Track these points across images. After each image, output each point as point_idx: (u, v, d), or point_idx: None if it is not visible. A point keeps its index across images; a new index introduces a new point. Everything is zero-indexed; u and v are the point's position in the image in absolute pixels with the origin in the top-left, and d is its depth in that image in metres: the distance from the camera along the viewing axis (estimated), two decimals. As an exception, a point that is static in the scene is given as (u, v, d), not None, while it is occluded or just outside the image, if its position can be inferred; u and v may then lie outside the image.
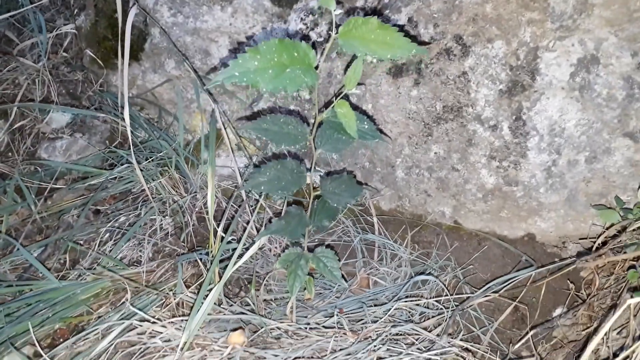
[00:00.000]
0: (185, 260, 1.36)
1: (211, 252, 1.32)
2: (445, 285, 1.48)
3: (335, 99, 1.04)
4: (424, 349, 1.27)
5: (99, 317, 1.27)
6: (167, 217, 1.59)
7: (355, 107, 1.62)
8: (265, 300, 1.40)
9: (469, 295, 1.47)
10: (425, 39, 1.46)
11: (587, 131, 1.37)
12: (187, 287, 1.33)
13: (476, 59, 1.41)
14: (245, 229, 1.38)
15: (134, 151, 1.81)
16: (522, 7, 1.33)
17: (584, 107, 1.35)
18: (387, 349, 1.25)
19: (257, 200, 1.45)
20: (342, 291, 1.55)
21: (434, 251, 1.61)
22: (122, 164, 1.75)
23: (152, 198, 1.61)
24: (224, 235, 1.31)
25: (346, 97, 1.04)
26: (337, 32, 0.98)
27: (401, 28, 1.41)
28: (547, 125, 1.39)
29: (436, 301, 1.44)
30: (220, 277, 1.21)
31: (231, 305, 1.31)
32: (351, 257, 1.67)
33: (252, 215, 1.44)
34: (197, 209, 1.73)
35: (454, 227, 1.63)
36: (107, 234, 1.50)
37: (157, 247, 1.47)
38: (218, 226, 1.35)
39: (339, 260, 1.20)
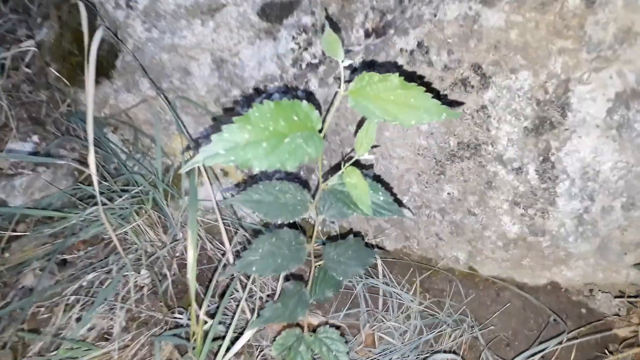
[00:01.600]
0: (163, 340, 1.16)
1: (193, 338, 1.12)
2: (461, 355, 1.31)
3: (344, 165, 0.84)
4: None
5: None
6: (142, 269, 1.39)
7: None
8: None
9: None
10: (438, 68, 1.26)
11: (626, 175, 1.19)
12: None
13: (497, 91, 1.22)
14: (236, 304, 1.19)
15: (102, 191, 1.60)
16: (554, 34, 1.14)
17: (622, 148, 1.18)
18: None
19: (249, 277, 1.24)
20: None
21: (447, 301, 1.44)
22: (92, 204, 1.54)
23: (125, 250, 1.41)
24: (207, 320, 1.12)
25: (357, 162, 0.85)
26: (346, 89, 0.78)
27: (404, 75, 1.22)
28: (579, 168, 1.21)
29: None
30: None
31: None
32: (353, 305, 1.49)
33: (243, 293, 1.23)
34: (177, 255, 1.53)
35: (468, 274, 1.46)
36: (73, 297, 1.30)
37: (132, 314, 1.27)
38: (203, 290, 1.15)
39: (345, 340, 1.02)
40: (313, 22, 1.50)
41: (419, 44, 1.28)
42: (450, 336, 1.38)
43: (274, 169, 0.72)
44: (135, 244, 1.44)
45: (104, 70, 1.85)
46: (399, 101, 0.75)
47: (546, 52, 1.16)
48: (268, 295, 1.34)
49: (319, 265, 1.03)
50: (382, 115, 0.75)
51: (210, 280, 1.23)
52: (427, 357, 1.30)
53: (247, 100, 1.66)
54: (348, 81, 0.78)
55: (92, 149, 1.23)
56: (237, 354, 1.18)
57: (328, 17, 1.44)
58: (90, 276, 1.35)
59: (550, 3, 1.10)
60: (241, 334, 1.05)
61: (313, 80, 1.51)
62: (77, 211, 1.57)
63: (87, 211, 1.52)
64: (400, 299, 1.47)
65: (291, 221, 0.88)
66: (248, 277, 1.28)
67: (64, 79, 1.93)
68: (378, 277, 1.52)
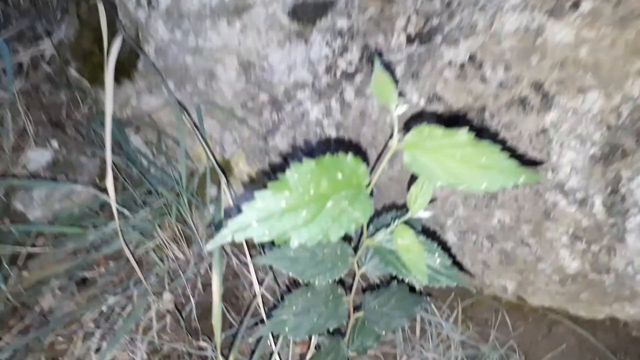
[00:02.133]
0: None
1: None
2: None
3: (394, 222, 0.73)
4: None
5: None
6: (165, 292, 1.31)
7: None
8: None
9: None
10: (493, 84, 1.12)
11: None
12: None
13: (561, 113, 1.08)
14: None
15: (124, 202, 1.52)
16: (633, 53, 0.98)
17: None
18: None
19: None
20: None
21: (492, 333, 1.32)
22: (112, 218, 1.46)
23: (147, 269, 1.33)
24: None
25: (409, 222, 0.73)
26: (400, 139, 0.66)
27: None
28: (653, 201, 1.07)
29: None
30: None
31: None
32: (388, 333, 1.39)
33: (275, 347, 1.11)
34: (202, 272, 1.45)
35: (517, 304, 1.34)
36: (92, 324, 1.22)
37: (154, 346, 1.19)
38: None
39: None
40: (349, 25, 1.36)
41: (471, 57, 1.14)
42: (495, 373, 1.27)
43: (315, 241, 0.61)
44: (157, 264, 1.35)
45: (126, 71, 1.75)
46: (467, 160, 0.62)
47: (622, 72, 1.00)
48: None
49: (358, 317, 0.93)
50: (445, 178, 0.63)
51: (236, 335, 1.13)
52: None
53: (276, 106, 1.55)
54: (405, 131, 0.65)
55: (110, 175, 1.13)
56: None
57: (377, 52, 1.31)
58: (110, 301, 1.27)
59: (632, 19, 0.95)
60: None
61: (349, 90, 1.38)
62: (97, 223, 1.49)
63: (109, 226, 1.44)
64: (439, 328, 1.36)
65: (330, 280, 0.77)
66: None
67: (85, 79, 1.84)
68: (416, 302, 1.41)
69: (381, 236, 0.76)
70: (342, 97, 1.39)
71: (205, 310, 1.37)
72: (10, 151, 1.55)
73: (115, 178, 1.68)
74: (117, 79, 1.80)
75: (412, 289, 0.97)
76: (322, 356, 0.87)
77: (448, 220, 1.32)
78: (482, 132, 1.18)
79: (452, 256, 1.27)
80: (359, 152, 1.44)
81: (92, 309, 1.26)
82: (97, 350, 1.19)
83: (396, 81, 1.27)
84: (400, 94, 1.27)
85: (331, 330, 0.83)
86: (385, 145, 1.41)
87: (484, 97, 1.15)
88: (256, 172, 1.74)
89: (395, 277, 1.38)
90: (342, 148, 1.50)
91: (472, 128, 1.19)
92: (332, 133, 1.48)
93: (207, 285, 1.42)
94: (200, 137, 1.72)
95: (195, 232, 1.50)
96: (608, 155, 1.07)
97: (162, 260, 1.41)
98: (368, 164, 1.45)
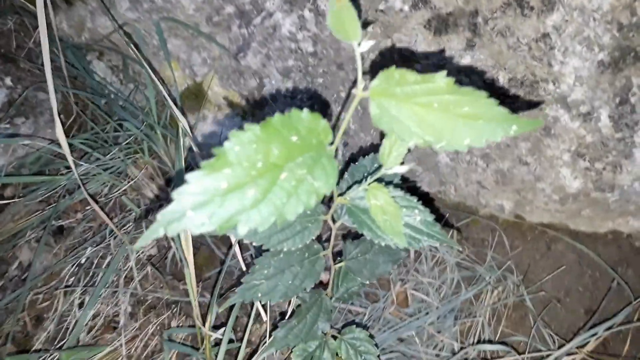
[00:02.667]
0: (174, 349, 1.03)
1: (202, 347, 0.99)
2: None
3: (366, 180, 0.62)
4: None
5: None
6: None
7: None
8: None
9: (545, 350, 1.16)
10: (486, -17, 0.95)
11: None
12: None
13: (566, 13, 0.92)
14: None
15: (95, 140, 1.41)
16: None
17: None
18: None
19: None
20: (375, 313, 1.25)
21: (488, 253, 1.27)
22: (84, 156, 1.36)
23: (125, 212, 1.25)
24: (213, 334, 0.97)
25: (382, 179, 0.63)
26: (365, 88, 0.53)
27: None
28: (667, 110, 0.95)
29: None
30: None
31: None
32: (382, 257, 1.34)
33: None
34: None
35: (514, 223, 1.27)
36: (72, 278, 1.17)
37: (137, 297, 1.15)
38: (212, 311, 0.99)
39: (375, 343, 0.87)
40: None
41: (460, -49, 0.96)
42: (492, 294, 1.23)
43: (269, 224, 0.51)
44: (129, 209, 1.27)
45: (73, -10, 1.55)
46: (446, 110, 0.50)
47: (641, -41, 0.83)
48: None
49: (339, 267, 0.86)
50: (420, 132, 0.51)
51: (212, 291, 1.06)
52: (467, 349, 1.17)
53: (244, 19, 1.37)
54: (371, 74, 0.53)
55: (61, 133, 1.00)
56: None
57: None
58: (89, 252, 1.21)
59: None
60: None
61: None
62: (68, 165, 1.39)
63: (79, 169, 1.34)
64: (434, 251, 1.31)
65: (300, 245, 0.68)
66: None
67: (30, 2, 1.64)
68: (409, 225, 1.34)
69: (354, 194, 0.66)
70: (315, 6, 1.22)
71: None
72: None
73: (79, 114, 1.56)
74: (67, 0, 1.61)
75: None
76: (303, 312, 0.81)
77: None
78: (473, 39, 1.03)
79: (433, 209, 1.17)
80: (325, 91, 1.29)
81: (71, 262, 1.20)
82: (81, 304, 1.14)
83: (359, 9, 1.10)
84: (365, 25, 1.10)
85: (307, 290, 0.76)
86: (349, 95, 1.26)
87: (477, -2, 0.99)
88: (232, 94, 1.60)
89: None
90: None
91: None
92: (309, 48, 1.32)
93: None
94: (167, 59, 1.56)
95: (171, 167, 1.40)
96: (618, 60, 0.93)
97: (138, 202, 1.33)
98: (330, 115, 1.31)
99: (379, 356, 0.88)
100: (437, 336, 1.18)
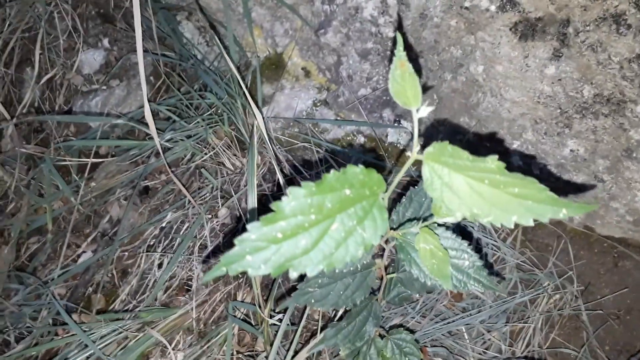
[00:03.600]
0: (236, 323, 1.13)
1: (260, 327, 1.08)
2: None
3: (418, 223, 0.65)
4: None
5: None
6: (221, 209, 1.34)
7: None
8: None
9: None
10: (581, -4, 0.89)
11: None
12: (239, 342, 1.14)
13: (667, 35, 0.85)
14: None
15: (180, 101, 1.50)
16: None
17: None
18: None
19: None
20: (429, 303, 1.29)
21: (551, 259, 1.25)
22: (170, 124, 1.46)
23: (196, 185, 1.35)
24: (271, 321, 1.05)
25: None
26: (420, 151, 0.55)
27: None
28: None
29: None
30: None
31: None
32: (442, 247, 1.36)
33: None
34: (257, 183, 1.45)
35: (583, 232, 1.23)
36: (154, 240, 1.30)
37: (209, 265, 1.26)
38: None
39: (419, 346, 0.92)
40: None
41: (557, -41, 0.89)
42: (548, 300, 1.23)
43: (318, 271, 0.56)
44: (208, 180, 1.37)
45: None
46: (496, 187, 0.51)
47: None
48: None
49: (392, 278, 0.89)
50: (470, 204, 0.52)
51: (271, 289, 1.14)
52: (514, 350, 1.18)
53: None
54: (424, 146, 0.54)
55: (148, 111, 1.08)
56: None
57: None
58: (169, 217, 1.33)
59: None
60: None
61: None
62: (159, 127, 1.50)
63: (166, 134, 1.44)
64: (496, 249, 1.31)
65: (365, 297, 0.73)
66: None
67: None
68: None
69: (405, 231, 0.68)
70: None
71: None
72: (62, 54, 1.54)
73: (167, 75, 1.65)
74: (161, -40, 1.66)
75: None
76: (353, 315, 0.87)
77: (514, 143, 1.18)
78: (561, 49, 0.97)
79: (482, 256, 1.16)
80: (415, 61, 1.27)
81: (154, 224, 1.33)
82: (160, 265, 1.28)
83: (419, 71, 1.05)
84: (425, 90, 1.06)
85: (358, 302, 0.81)
86: (399, 157, 1.23)
87: (570, 6, 0.93)
88: (310, 66, 1.62)
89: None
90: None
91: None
92: (389, 33, 1.30)
93: (262, 196, 1.43)
94: (249, 26, 1.59)
95: (248, 139, 1.48)
96: None
97: (216, 171, 1.42)
98: (421, 74, 1.29)
99: (422, 358, 0.93)
100: (487, 334, 1.21)
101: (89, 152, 1.47)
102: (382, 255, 0.83)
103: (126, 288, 1.26)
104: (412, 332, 0.94)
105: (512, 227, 0.52)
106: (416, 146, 0.55)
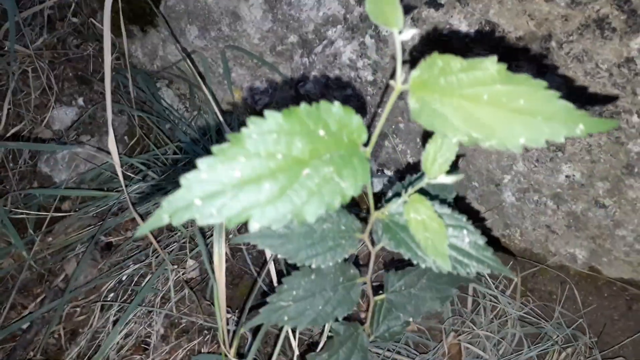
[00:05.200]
0: None
1: None
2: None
3: (405, 191, 0.55)
4: None
5: None
6: (188, 259, 1.21)
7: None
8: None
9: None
10: (562, 3, 0.87)
11: None
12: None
13: (653, 36, 0.82)
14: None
15: (155, 160, 1.42)
16: None
17: None
18: None
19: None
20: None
21: (557, 309, 1.12)
22: (141, 177, 1.37)
23: (171, 235, 1.23)
24: None
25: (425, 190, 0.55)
26: (405, 80, 0.47)
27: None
28: None
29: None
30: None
31: None
32: (435, 303, 1.22)
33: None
34: (232, 237, 1.34)
35: (588, 275, 1.12)
36: (111, 295, 1.15)
37: (171, 320, 1.10)
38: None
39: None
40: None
41: (532, -30, 0.89)
42: (559, 355, 1.08)
43: (283, 223, 0.45)
44: (180, 230, 1.25)
45: (148, 18, 1.62)
46: (498, 103, 0.43)
47: None
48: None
49: (380, 300, 0.77)
50: (466, 129, 0.43)
51: (240, 315, 1.00)
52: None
53: (306, 48, 1.36)
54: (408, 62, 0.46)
55: (111, 132, 1.01)
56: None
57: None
58: (130, 270, 1.19)
59: None
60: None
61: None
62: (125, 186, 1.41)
63: (134, 187, 1.35)
64: (495, 301, 1.18)
65: (331, 263, 0.61)
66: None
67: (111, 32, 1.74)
68: (467, 270, 1.23)
69: (393, 208, 0.58)
70: (377, 32, 1.19)
71: (235, 277, 1.27)
72: (33, 110, 1.49)
73: (144, 136, 1.59)
74: (142, 28, 1.68)
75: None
76: (336, 345, 0.73)
77: (505, 177, 1.11)
78: (545, 62, 0.94)
79: (486, 232, 1.06)
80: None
81: (113, 277, 1.19)
82: (116, 321, 1.12)
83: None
84: (408, 10, 1.04)
85: (340, 319, 0.68)
86: (387, 86, 1.20)
87: (550, 20, 0.91)
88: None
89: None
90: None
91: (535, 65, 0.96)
92: (368, 76, 1.28)
93: (236, 252, 1.31)
94: (229, 88, 1.58)
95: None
96: None
97: (187, 226, 1.31)
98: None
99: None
100: (493, 397, 1.04)
101: (50, 207, 1.36)
102: (367, 267, 0.71)
103: (74, 350, 1.08)
104: None
105: (520, 151, 0.43)
106: (400, 76, 0.47)
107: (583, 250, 1.08)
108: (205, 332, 1.08)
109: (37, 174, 1.44)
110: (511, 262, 1.21)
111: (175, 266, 1.18)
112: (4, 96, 1.47)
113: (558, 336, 1.09)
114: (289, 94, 1.50)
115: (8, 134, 1.44)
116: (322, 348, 0.73)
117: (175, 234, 1.26)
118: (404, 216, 0.55)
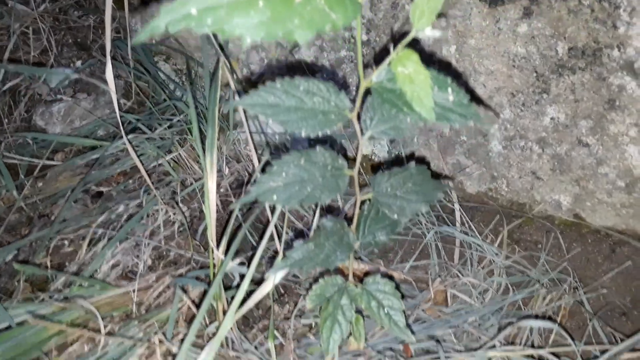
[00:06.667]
0: (185, 283, 0.98)
1: (210, 277, 0.93)
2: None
3: (393, 47, 0.57)
4: None
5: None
6: (177, 206, 1.22)
7: (429, 56, 1.12)
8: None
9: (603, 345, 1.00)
10: (546, -59, 0.92)
11: None
12: (189, 319, 0.96)
13: (632, -33, 0.86)
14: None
15: (147, 120, 1.45)
16: None
17: None
18: None
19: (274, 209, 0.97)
20: (411, 309, 1.13)
21: (542, 256, 1.13)
22: (134, 133, 1.39)
23: (161, 182, 1.24)
24: (223, 257, 0.91)
25: (415, 43, 0.58)
26: None
27: None
28: None
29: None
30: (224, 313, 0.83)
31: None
32: (422, 257, 1.23)
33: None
34: (222, 190, 1.35)
35: (573, 223, 1.14)
36: (100, 230, 1.15)
37: (159, 252, 1.11)
38: (228, 235, 0.94)
39: (401, 296, 0.77)
40: None
41: None
42: (544, 298, 1.09)
43: (274, 39, 0.47)
44: (171, 175, 1.26)
45: (150, -12, 1.66)
46: None
47: None
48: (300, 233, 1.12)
49: (368, 199, 0.78)
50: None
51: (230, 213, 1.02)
52: (512, 322, 1.02)
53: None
54: None
55: (109, 64, 1.04)
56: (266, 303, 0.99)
57: None
58: (120, 208, 1.19)
59: None
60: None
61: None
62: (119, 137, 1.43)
63: (124, 140, 1.36)
64: (481, 252, 1.19)
65: (321, 134, 0.63)
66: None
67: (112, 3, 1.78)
68: (455, 225, 1.24)
69: (383, 73, 0.60)
70: (371, -12, 1.23)
71: (221, 227, 1.27)
72: (31, 66, 1.51)
73: (140, 101, 1.62)
74: (144, 0, 1.72)
75: (434, 174, 0.80)
76: (322, 238, 0.74)
77: (492, 127, 1.14)
78: (531, 7, 0.98)
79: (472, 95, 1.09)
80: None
81: (102, 215, 1.19)
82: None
83: None
84: None
85: (326, 202, 0.69)
86: None
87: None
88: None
89: (412, 157, 1.21)
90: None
91: None
92: (362, 36, 1.32)
93: (223, 200, 1.32)
94: (224, 59, 1.61)
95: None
96: (694, 18, 0.85)
97: (176, 175, 1.32)
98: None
99: (404, 311, 0.78)
100: (476, 333, 1.04)
101: (43, 157, 1.37)
102: (355, 160, 0.73)
103: (60, 279, 1.07)
104: (392, 278, 0.80)
105: None
106: None
107: (567, 195, 1.11)
108: (194, 264, 1.09)
109: (32, 127, 1.46)
110: (497, 216, 1.23)
111: (166, 205, 1.18)
112: (3, 51, 1.50)
113: (544, 281, 1.10)
114: (284, 63, 1.53)
115: (5, 87, 1.46)
116: (309, 238, 0.74)
117: (166, 179, 1.27)
118: (392, 83, 0.57)
